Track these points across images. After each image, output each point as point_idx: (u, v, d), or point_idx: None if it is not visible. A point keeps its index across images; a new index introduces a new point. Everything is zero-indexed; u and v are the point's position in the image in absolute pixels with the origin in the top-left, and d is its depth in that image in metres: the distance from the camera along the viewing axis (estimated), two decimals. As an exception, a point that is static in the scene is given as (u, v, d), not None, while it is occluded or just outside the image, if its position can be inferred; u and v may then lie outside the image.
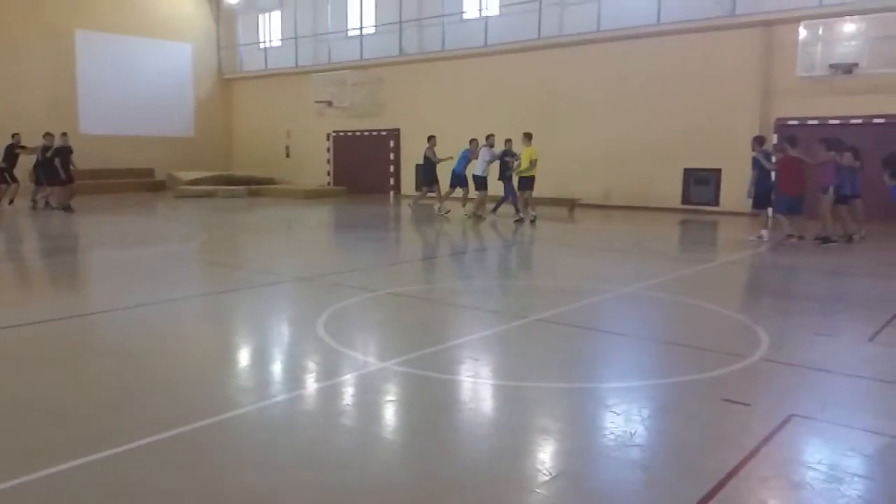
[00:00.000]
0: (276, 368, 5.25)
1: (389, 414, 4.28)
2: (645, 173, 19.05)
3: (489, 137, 16.01)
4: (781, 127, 16.90)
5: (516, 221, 15.12)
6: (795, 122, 16.82)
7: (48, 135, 16.84)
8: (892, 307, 7.40)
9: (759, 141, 12.80)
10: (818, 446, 3.77)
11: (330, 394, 4.62)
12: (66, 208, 16.54)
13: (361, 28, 24.90)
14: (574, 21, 20.09)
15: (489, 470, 3.48)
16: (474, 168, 16.22)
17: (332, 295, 7.70)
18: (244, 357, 5.56)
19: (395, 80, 24.00)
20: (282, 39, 27.71)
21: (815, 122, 16.51)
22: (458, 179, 16.57)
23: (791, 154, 12.15)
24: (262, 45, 28.50)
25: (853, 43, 15.75)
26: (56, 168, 16.37)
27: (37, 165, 16.86)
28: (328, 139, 26.52)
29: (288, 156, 27.91)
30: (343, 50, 25.29)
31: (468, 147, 16.43)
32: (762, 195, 12.62)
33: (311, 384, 4.78)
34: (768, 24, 17.13)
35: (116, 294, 7.90)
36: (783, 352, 5.51)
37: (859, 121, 16.09)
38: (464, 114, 22.02)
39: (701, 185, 18.54)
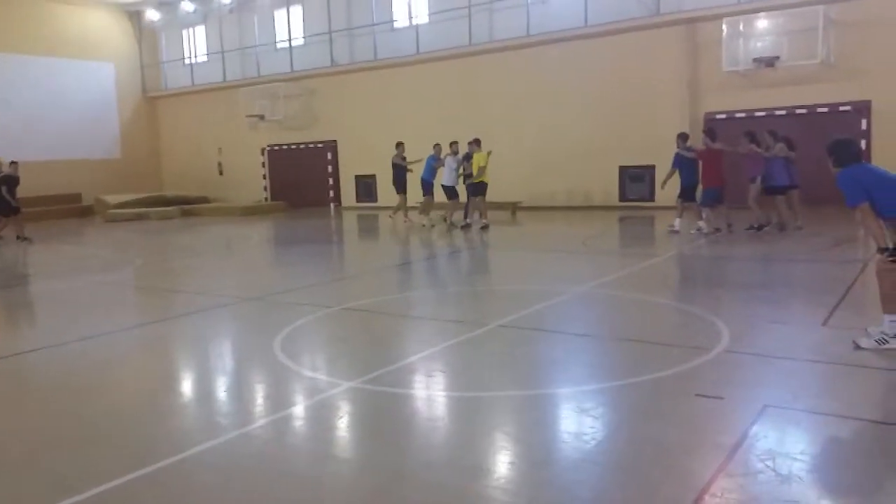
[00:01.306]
0: (237, 398, 5.00)
1: (366, 437, 4.12)
2: (582, 173, 19.32)
3: (453, 145, 15.81)
4: (710, 121, 17.39)
5: (462, 227, 15.09)
6: (723, 116, 17.36)
7: None
8: (836, 291, 7.64)
9: (682, 137, 13.16)
10: (798, 436, 3.80)
11: (298, 420, 4.43)
12: (23, 238, 15.67)
13: (290, 40, 24.52)
14: (503, 26, 20.25)
15: (475, 487, 3.38)
16: (441, 177, 16.04)
17: (285, 314, 7.47)
18: (200, 388, 5.30)
19: (328, 91, 23.71)
20: (208, 54, 27.03)
21: (742, 114, 17.07)
22: (428, 187, 16.39)
23: (712, 147, 12.50)
24: (187, 61, 27.74)
25: (774, 37, 16.35)
26: (4, 198, 15.42)
27: None
28: (263, 154, 26.00)
29: (221, 173, 27.22)
30: (272, 62, 24.85)
31: (432, 153, 16.28)
32: (688, 189, 12.98)
33: (276, 412, 4.55)
34: (692, 21, 17.62)
35: (56, 328, 7.48)
36: (744, 342, 5.59)
37: (783, 112, 16.70)
38: (399, 122, 21.92)
39: (636, 181, 18.91)
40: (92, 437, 4.21)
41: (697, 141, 13.57)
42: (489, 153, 15.18)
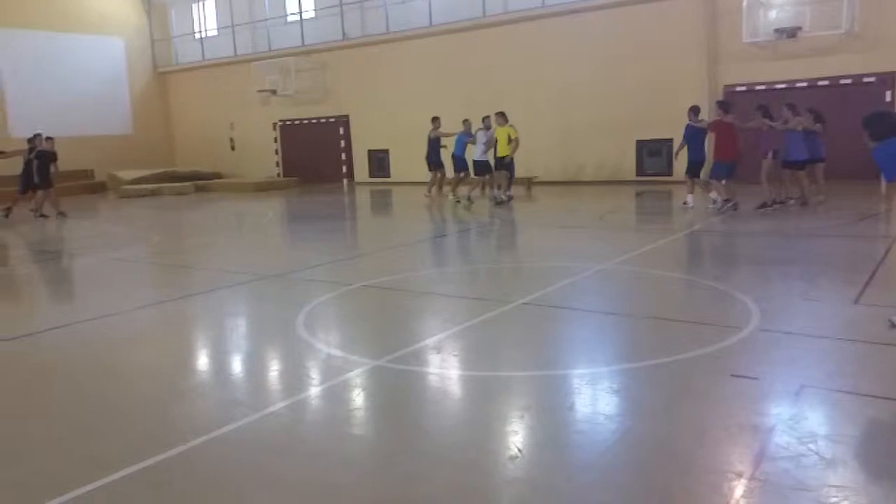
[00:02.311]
0: (264, 377, 4.97)
1: (395, 418, 4.06)
2: (598, 147, 19.10)
3: (485, 119, 15.55)
4: (730, 94, 17.11)
5: (499, 202, 14.92)
6: (743, 88, 17.07)
7: (35, 137, 15.96)
8: (865, 268, 7.50)
9: (694, 111, 12.97)
10: (839, 418, 3.70)
11: (327, 399, 4.37)
12: (48, 214, 15.74)
13: (301, 13, 24.24)
14: (518, -2, 19.91)
15: (525, 471, 3.32)
16: (472, 152, 15.82)
17: (306, 291, 7.42)
18: (226, 367, 5.24)
19: (340, 65, 23.48)
20: (218, 28, 26.78)
21: (763, 87, 16.77)
22: (460, 163, 16.18)
23: (724, 120, 12.28)
24: (197, 36, 27.51)
25: (795, 7, 15.98)
26: (33, 173, 15.53)
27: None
28: (275, 129, 25.85)
29: (233, 148, 27.12)
30: (283, 36, 24.59)
31: (463, 129, 16.07)
32: (695, 164, 12.80)
33: (303, 391, 4.50)
34: (712, -9, 17.26)
35: (76, 306, 7.48)
36: (776, 320, 5.49)
37: (804, 84, 16.39)
38: (412, 96, 21.73)
39: (654, 156, 18.66)
40: (119, 417, 4.18)
41: (712, 114, 13.36)
42: (509, 128, 14.96)
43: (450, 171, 16.74)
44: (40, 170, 15.56)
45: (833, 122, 14.84)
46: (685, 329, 5.48)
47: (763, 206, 12.01)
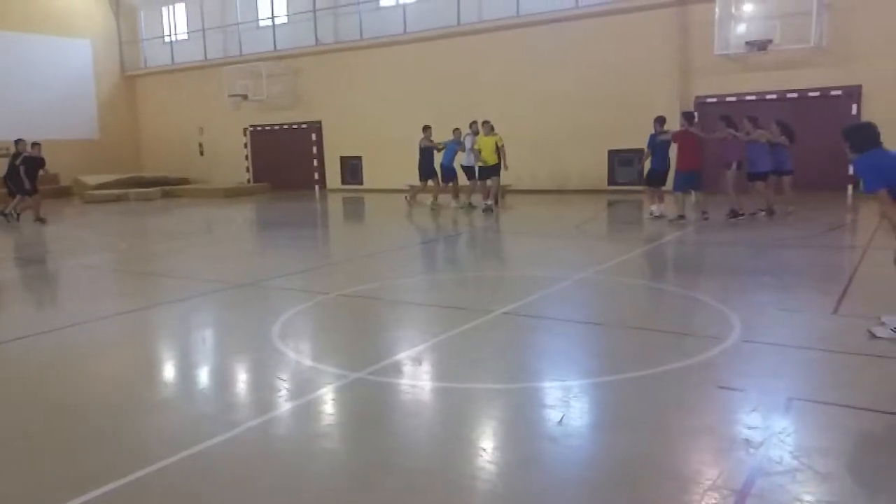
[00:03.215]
0: (240, 391, 4.80)
1: (381, 432, 3.93)
2: (570, 156, 19.19)
3: (472, 125, 15.45)
4: (700, 105, 17.31)
5: (485, 209, 14.87)
6: (714, 100, 17.26)
7: (18, 142, 15.81)
8: (839, 278, 7.59)
9: (659, 121, 13.08)
10: (830, 431, 3.67)
11: (308, 414, 4.22)
12: (39, 220, 15.56)
13: (273, 17, 24.00)
14: (492, 7, 19.94)
15: (510, 487, 3.22)
16: (461, 159, 15.78)
17: (280, 301, 7.26)
18: (199, 380, 5.03)
19: (312, 71, 23.29)
20: (188, 32, 26.41)
21: (733, 98, 16.98)
22: (449, 173, 16.05)
23: (689, 130, 12.40)
24: (167, 39, 27.09)
25: (766, 20, 16.21)
26: (21, 178, 15.36)
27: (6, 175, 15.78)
28: (245, 134, 25.53)
29: (202, 153, 26.73)
30: (255, 41, 24.33)
31: (453, 138, 15.93)
32: (659, 174, 12.89)
33: (283, 405, 4.33)
34: (683, 3, 17.45)
35: (41, 315, 7.21)
36: (758, 331, 5.48)
37: (774, 96, 16.64)
38: (386, 103, 21.66)
39: (625, 165, 18.76)
40: (89, 433, 3.98)
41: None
42: (495, 136, 14.98)
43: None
44: (28, 175, 15.37)
45: (801, 134, 15.08)
46: (667, 340, 5.45)
47: (733, 215, 12.12)
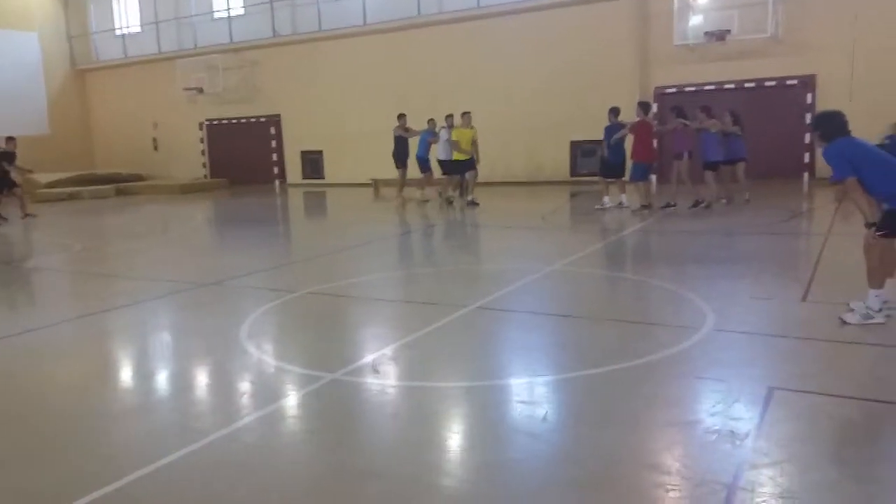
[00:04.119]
0: (210, 396, 4.62)
1: (362, 436, 3.82)
2: (533, 147, 19.21)
3: (448, 118, 15.11)
4: (661, 95, 17.48)
5: (469, 205, 14.63)
6: (673, 90, 17.44)
7: None
8: (805, 265, 7.70)
9: (614, 112, 13.15)
10: (813, 421, 3.67)
11: (283, 420, 4.09)
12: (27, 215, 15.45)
13: (229, 9, 23.49)
14: (453, -3, 19.83)
15: (495, 487, 3.14)
16: (435, 151, 15.46)
17: (247, 300, 7.07)
18: (167, 387, 4.82)
19: (270, 63, 22.88)
20: (141, 25, 25.70)
21: (692, 88, 17.18)
22: (424, 164, 15.82)
23: (645, 120, 12.50)
24: (119, 32, 26.32)
25: (724, 11, 16.40)
26: None
27: None
28: (201, 128, 25.00)
29: (156, 149, 26.12)
30: (210, 33, 23.79)
31: (427, 128, 15.69)
32: (614, 165, 12.96)
33: (254, 412, 4.15)
34: (643, -6, 17.57)
35: (-8, 321, 6.88)
36: (730, 320, 5.50)
37: (732, 85, 16.88)
38: (347, 96, 21.42)
39: (588, 156, 18.84)
40: (47, 446, 3.78)
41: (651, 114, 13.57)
42: (474, 130, 14.77)
43: (415, 172, 16.26)
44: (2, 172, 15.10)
45: (758, 123, 15.36)
46: (642, 331, 5.44)
47: (695, 204, 12.23)
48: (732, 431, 3.52)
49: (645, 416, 3.83)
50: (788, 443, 3.40)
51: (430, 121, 15.69)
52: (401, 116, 16.12)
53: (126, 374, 5.16)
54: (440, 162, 15.26)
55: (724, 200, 12.60)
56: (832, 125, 5.30)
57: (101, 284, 8.56)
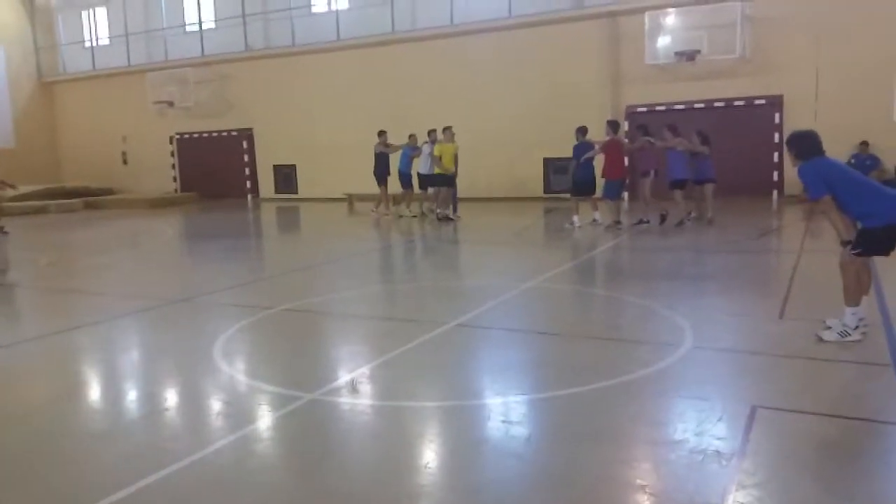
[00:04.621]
0: (183, 418, 4.46)
1: (345, 459, 3.73)
2: (506, 164, 19.27)
3: (431, 133, 15.04)
4: (632, 114, 17.67)
5: (443, 218, 14.58)
6: (644, 109, 17.64)
7: None
8: (780, 282, 7.77)
9: (581, 131, 13.24)
10: (798, 440, 3.66)
11: (261, 442, 3.98)
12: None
13: (200, 22, 23.31)
14: (427, 15, 19.90)
15: (479, 513, 3.08)
16: (417, 166, 15.45)
17: (220, 317, 6.93)
18: (138, 408, 4.66)
19: (242, 78, 22.72)
20: (110, 37, 25.38)
21: (663, 107, 17.40)
22: (406, 179, 15.76)
23: (614, 138, 12.63)
24: (87, 44, 25.95)
25: (694, 31, 16.67)
26: None
27: None
28: (172, 142, 24.68)
29: (126, 162, 25.71)
30: (181, 46, 23.57)
31: (408, 143, 15.64)
32: (583, 184, 12.99)
33: (233, 432, 4.00)
34: (614, 14, 17.81)
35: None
36: (709, 337, 5.52)
37: (702, 105, 17.14)
38: (320, 111, 21.33)
39: (560, 173, 18.92)
40: (8, 473, 3.63)
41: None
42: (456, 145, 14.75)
43: (396, 187, 16.20)
44: None
45: (728, 141, 15.58)
46: (622, 348, 5.43)
47: (662, 220, 12.30)
48: (718, 451, 3.50)
49: (631, 435, 3.80)
50: (773, 462, 3.40)
51: (412, 136, 15.69)
52: (381, 133, 16.08)
53: (96, 395, 5.00)
54: (421, 176, 15.23)
55: (693, 214, 12.66)
56: (808, 144, 5.36)
57: (69, 301, 8.35)
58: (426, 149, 15.08)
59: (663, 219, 12.30)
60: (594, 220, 12.92)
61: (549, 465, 3.52)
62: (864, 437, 3.79)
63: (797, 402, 4.14)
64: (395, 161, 15.92)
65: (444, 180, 14.69)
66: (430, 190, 15.36)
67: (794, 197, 15.47)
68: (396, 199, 16.19)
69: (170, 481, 3.40)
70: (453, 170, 14.69)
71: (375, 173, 16.04)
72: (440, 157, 14.48)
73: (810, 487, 3.17)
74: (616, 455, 3.55)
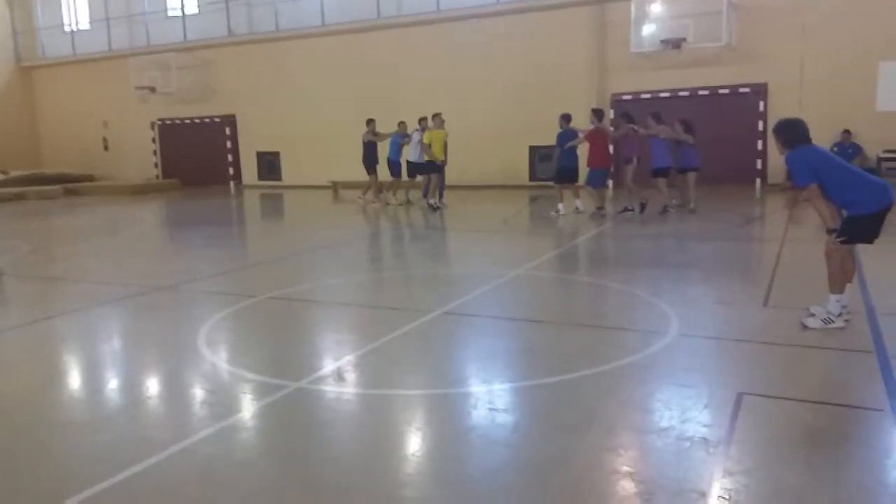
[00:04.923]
0: (167, 408, 4.40)
1: (333, 449, 3.70)
2: (492, 152, 19.22)
3: (421, 121, 14.87)
4: (617, 102, 17.67)
5: (434, 207, 14.45)
6: (629, 97, 17.65)
7: None
8: (764, 269, 7.82)
9: (565, 118, 13.22)
10: (784, 426, 3.68)
11: (246, 432, 3.95)
12: None
13: (183, 7, 22.99)
14: (413, 1, 19.74)
15: (474, 497, 3.06)
16: (406, 153, 15.33)
17: (204, 305, 6.86)
18: (122, 397, 4.61)
19: (225, 63, 22.47)
20: (91, 21, 24.98)
21: (648, 95, 17.41)
22: (395, 167, 15.65)
23: (598, 127, 12.63)
24: (67, 29, 25.53)
25: (680, 19, 16.67)
26: None
27: None
28: (153, 128, 24.42)
29: (107, 148, 25.42)
30: (163, 31, 23.26)
31: (397, 131, 15.52)
32: (567, 171, 12.99)
33: (218, 422, 3.95)
34: (601, 2, 17.75)
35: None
36: (695, 325, 5.54)
37: (686, 93, 17.16)
38: (304, 97, 21.15)
39: (546, 161, 18.91)
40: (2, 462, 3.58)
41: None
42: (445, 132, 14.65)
43: (385, 175, 16.08)
44: None
45: (712, 129, 15.62)
46: (609, 336, 5.43)
47: (643, 208, 12.32)
48: (705, 438, 3.51)
49: (618, 422, 3.80)
50: (760, 449, 3.41)
51: (401, 123, 15.59)
52: (370, 122, 15.94)
53: (78, 385, 4.93)
54: (409, 164, 15.16)
55: (675, 202, 12.69)
56: (795, 132, 5.37)
57: (50, 289, 8.24)
58: (416, 136, 14.97)
59: (643, 207, 12.34)
60: (576, 209, 12.93)
61: (537, 452, 3.51)
62: (849, 424, 3.82)
63: (782, 389, 4.16)
64: (383, 149, 15.79)
65: (433, 168, 14.61)
66: (419, 178, 15.26)
67: (779, 185, 15.57)
68: (383, 187, 16.09)
69: (153, 471, 3.36)
70: (443, 158, 14.59)
71: (364, 162, 15.94)
72: (429, 145, 14.37)
73: (797, 474, 3.19)
74: (603, 442, 3.54)
